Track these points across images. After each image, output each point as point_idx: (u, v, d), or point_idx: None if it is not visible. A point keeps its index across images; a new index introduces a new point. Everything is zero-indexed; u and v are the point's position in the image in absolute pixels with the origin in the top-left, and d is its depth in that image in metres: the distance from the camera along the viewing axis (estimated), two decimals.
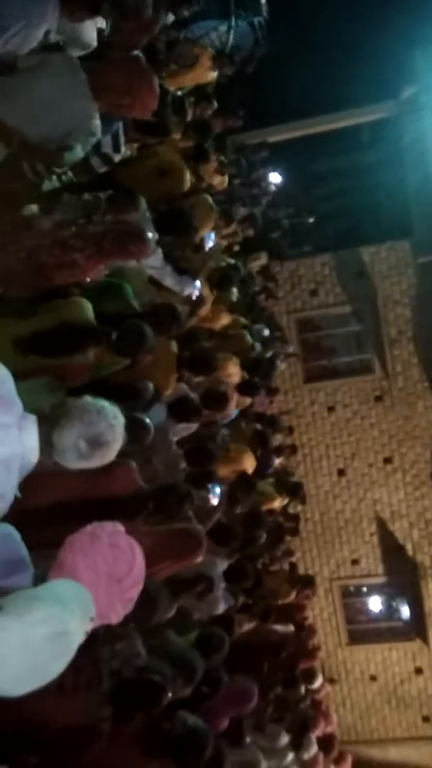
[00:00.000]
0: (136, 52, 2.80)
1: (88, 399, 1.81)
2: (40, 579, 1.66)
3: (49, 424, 1.76)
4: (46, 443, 1.74)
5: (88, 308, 2.60)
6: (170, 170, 3.85)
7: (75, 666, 1.88)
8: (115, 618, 1.71)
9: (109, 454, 1.84)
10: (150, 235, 2.81)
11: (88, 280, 2.70)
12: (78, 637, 1.49)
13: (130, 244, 2.61)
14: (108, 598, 1.64)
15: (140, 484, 2.67)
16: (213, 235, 4.41)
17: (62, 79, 2.51)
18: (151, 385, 2.80)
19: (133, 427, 2.50)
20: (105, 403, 1.82)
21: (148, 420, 2.69)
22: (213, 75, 4.95)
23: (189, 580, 3.01)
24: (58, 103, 2.50)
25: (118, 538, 1.71)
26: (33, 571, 1.69)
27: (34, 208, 2.66)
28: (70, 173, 2.93)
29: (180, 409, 3.35)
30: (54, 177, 2.79)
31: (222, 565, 3.66)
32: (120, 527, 1.78)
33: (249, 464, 4.69)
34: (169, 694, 2.22)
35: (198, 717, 2.41)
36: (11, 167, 2.62)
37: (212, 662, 3.10)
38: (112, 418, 1.79)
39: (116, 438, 1.83)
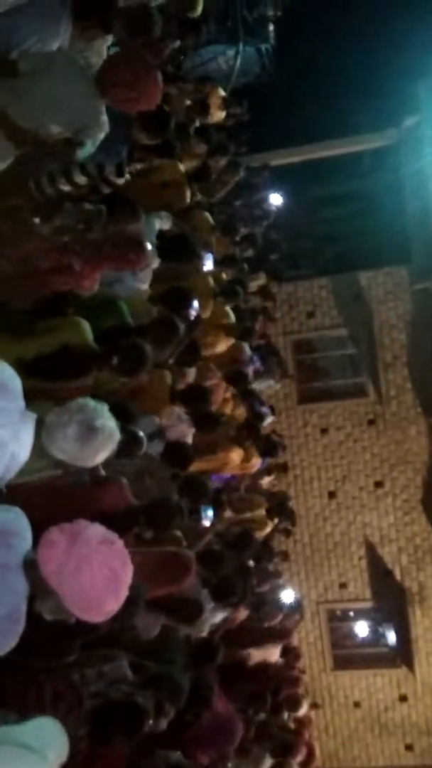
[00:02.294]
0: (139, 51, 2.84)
1: (88, 399, 1.87)
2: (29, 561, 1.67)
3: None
4: (40, 427, 1.76)
5: (87, 329, 2.62)
6: (172, 184, 3.90)
7: (55, 694, 1.87)
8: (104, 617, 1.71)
9: (100, 450, 1.86)
10: (149, 245, 2.84)
11: (85, 289, 2.70)
12: None
13: (129, 252, 2.63)
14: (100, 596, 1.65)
15: (131, 500, 2.67)
16: (211, 256, 4.44)
17: (69, 77, 2.56)
18: (156, 420, 2.82)
19: (127, 439, 2.51)
20: (103, 406, 1.87)
21: (141, 433, 2.70)
22: (221, 114, 5.05)
23: (177, 603, 3.00)
24: (69, 101, 2.54)
25: (107, 540, 1.73)
26: (31, 549, 1.70)
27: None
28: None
29: (175, 454, 3.38)
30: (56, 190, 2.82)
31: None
32: (110, 533, 1.79)
33: (236, 458, 4.66)
34: (151, 721, 2.19)
35: (180, 752, 2.38)
36: (14, 180, 2.65)
37: (202, 675, 3.08)
38: (107, 417, 1.85)
39: (108, 431, 1.87)
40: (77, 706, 1.91)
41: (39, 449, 1.84)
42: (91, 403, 1.90)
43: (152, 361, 2.70)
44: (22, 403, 1.77)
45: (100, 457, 1.91)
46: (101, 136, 2.66)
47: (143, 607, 2.28)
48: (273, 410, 7.78)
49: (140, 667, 2.53)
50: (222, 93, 4.99)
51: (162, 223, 3.59)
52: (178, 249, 3.43)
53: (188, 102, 4.56)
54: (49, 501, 2.36)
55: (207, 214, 5.10)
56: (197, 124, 4.64)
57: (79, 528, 1.70)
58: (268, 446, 5.40)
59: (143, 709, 2.15)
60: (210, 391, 3.92)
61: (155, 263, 3.13)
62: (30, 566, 1.68)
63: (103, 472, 2.68)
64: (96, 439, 1.85)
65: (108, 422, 1.89)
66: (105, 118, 2.64)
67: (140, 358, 2.59)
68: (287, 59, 8.62)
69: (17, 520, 1.74)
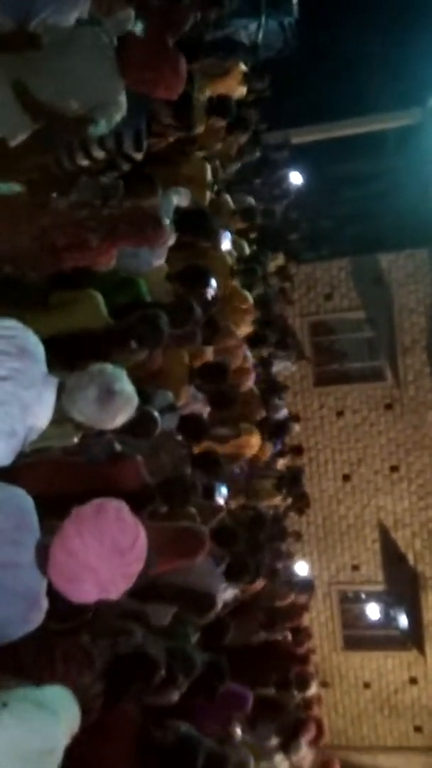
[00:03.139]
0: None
1: (107, 364, 1.90)
2: (41, 548, 1.70)
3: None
4: (61, 391, 1.82)
5: (101, 303, 2.61)
6: (196, 180, 3.88)
7: (65, 657, 1.91)
8: (115, 593, 1.72)
9: (118, 414, 1.89)
10: (167, 221, 2.81)
11: (102, 265, 2.69)
12: (61, 754, 1.52)
13: (147, 228, 2.61)
14: (110, 569, 1.66)
15: (146, 478, 2.69)
16: (229, 235, 4.40)
17: (91, 54, 2.54)
18: (170, 395, 2.82)
19: (143, 419, 2.52)
20: (122, 371, 1.91)
21: (156, 413, 2.70)
22: (243, 90, 4.96)
23: (193, 596, 3.04)
24: (87, 78, 2.53)
25: (123, 513, 1.73)
26: (39, 536, 1.73)
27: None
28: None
29: (189, 426, 3.40)
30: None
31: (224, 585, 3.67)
32: (125, 505, 1.80)
33: (255, 443, 4.67)
34: (162, 672, 2.22)
35: (190, 722, 2.42)
36: (31, 154, 2.64)
37: (216, 657, 3.12)
38: (126, 381, 1.91)
39: (126, 395, 1.91)
40: (88, 666, 1.94)
41: (60, 413, 1.88)
42: (109, 367, 1.95)
43: (167, 337, 2.69)
44: (44, 367, 1.82)
45: (119, 419, 1.95)
46: (118, 117, 2.64)
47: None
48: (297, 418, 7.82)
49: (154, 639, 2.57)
50: (243, 68, 4.89)
51: (180, 199, 3.56)
52: (195, 225, 3.40)
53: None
54: (64, 478, 2.39)
55: (227, 197, 5.06)
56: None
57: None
58: (280, 428, 5.38)
59: (154, 659, 2.18)
60: (228, 368, 3.90)
61: (172, 239, 3.11)
62: (41, 552, 1.69)
63: (119, 448, 2.70)
64: (115, 402, 1.89)
65: (126, 386, 1.94)
66: (123, 98, 2.61)
67: (157, 327, 2.58)
68: (310, 34, 8.43)
69: (21, 505, 1.75)
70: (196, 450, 3.57)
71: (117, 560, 1.66)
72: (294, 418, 8.06)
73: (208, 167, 4.25)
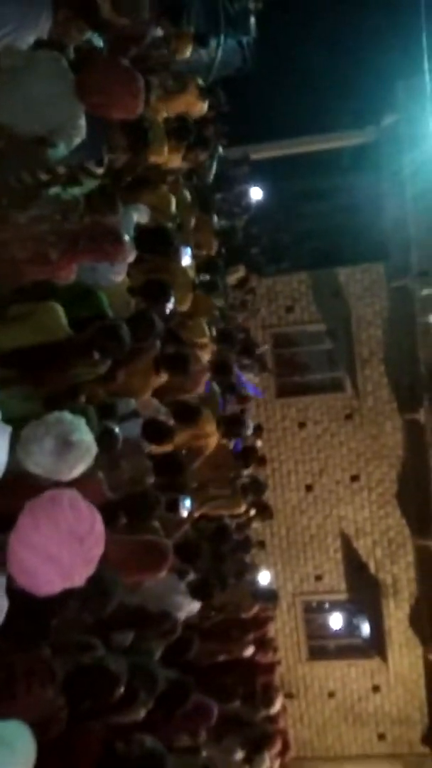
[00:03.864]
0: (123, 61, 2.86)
1: (65, 413, 1.83)
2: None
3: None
4: (16, 443, 1.74)
5: (60, 315, 2.61)
6: (159, 209, 3.94)
7: (26, 672, 1.89)
8: (78, 579, 1.72)
9: (76, 465, 1.83)
10: (127, 238, 2.83)
11: (61, 279, 2.69)
12: None
13: (106, 243, 2.62)
14: (71, 557, 1.66)
15: (108, 496, 2.68)
16: (189, 250, 4.43)
17: (50, 77, 2.55)
18: (132, 402, 2.81)
19: (104, 435, 2.51)
20: (80, 420, 1.84)
21: (117, 429, 2.70)
22: (204, 106, 5.03)
23: (154, 618, 3.02)
24: (46, 102, 2.54)
25: (77, 501, 1.73)
26: None
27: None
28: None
29: (152, 431, 3.39)
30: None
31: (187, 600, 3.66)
32: (77, 493, 1.79)
33: (212, 432, 4.65)
34: (122, 689, 2.20)
35: (155, 734, 2.40)
36: None
37: (178, 671, 3.10)
38: (84, 431, 1.81)
39: (85, 446, 1.83)
40: (50, 680, 1.92)
41: (15, 463, 1.80)
42: (67, 416, 1.86)
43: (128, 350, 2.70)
44: None
45: (76, 471, 1.86)
46: (77, 141, 2.66)
47: (116, 600, 2.29)
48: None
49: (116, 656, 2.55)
50: (200, 83, 4.96)
51: (140, 215, 3.59)
52: (155, 242, 3.43)
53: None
54: (24, 498, 2.36)
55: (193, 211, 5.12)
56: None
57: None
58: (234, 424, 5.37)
59: (114, 674, 2.16)
60: (192, 358, 3.90)
61: (132, 256, 3.13)
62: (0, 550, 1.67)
63: None
64: (72, 453, 1.81)
65: (85, 437, 1.85)
66: (83, 122, 2.63)
67: (119, 340, 2.59)
68: (268, 53, 8.62)
69: None
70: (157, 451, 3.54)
71: (77, 547, 1.66)
72: (257, 427, 8.10)
73: (173, 199, 4.30)
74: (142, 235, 3.29)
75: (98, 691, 2.11)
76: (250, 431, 6.52)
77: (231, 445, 5.59)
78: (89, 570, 1.70)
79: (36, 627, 1.87)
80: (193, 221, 5.08)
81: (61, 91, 2.55)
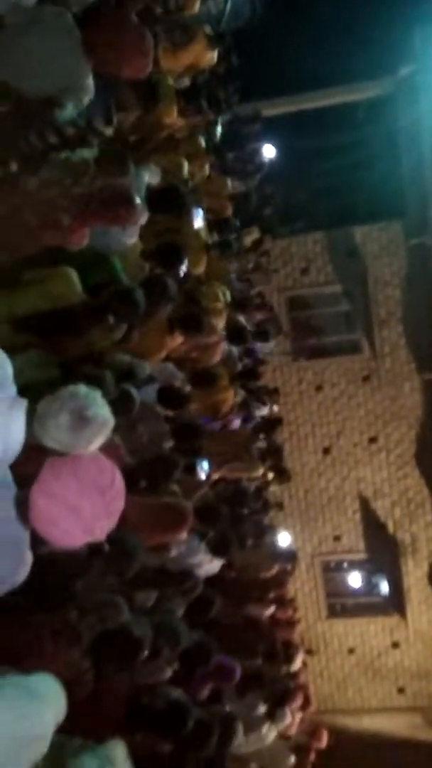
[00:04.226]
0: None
1: (81, 386, 1.81)
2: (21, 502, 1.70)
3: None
4: (31, 417, 1.74)
5: (75, 280, 2.58)
6: (171, 172, 3.85)
7: (53, 634, 1.93)
8: (99, 532, 1.73)
9: (93, 439, 1.79)
10: (139, 200, 2.79)
11: (74, 245, 2.66)
12: (48, 741, 1.52)
13: (118, 207, 2.58)
14: (92, 508, 1.67)
15: (126, 460, 2.69)
16: (201, 212, 4.34)
17: (55, 35, 2.48)
18: (147, 366, 2.80)
19: (121, 398, 2.51)
20: (95, 393, 1.81)
21: (134, 391, 2.70)
22: (213, 56, 4.85)
23: (176, 576, 3.07)
24: (52, 60, 2.46)
25: (98, 455, 1.74)
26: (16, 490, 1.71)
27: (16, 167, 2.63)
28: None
29: (168, 396, 3.39)
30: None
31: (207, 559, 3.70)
32: (98, 452, 1.80)
33: (227, 393, 4.63)
34: (146, 651, 2.26)
35: (180, 689, 2.47)
36: (2, 135, 2.58)
37: (201, 631, 3.17)
38: (100, 404, 1.79)
39: (101, 420, 1.79)
40: (76, 642, 1.97)
41: (32, 438, 1.76)
42: (82, 390, 1.81)
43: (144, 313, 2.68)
44: (12, 390, 1.72)
45: (94, 445, 1.82)
46: (86, 100, 2.58)
47: (140, 562, 2.32)
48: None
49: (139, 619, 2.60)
50: (208, 31, 4.76)
51: (151, 176, 3.52)
52: (168, 203, 3.36)
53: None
54: (40, 466, 2.38)
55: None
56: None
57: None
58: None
59: (138, 639, 2.21)
60: (204, 320, 3.88)
61: (144, 218, 3.08)
62: (22, 502, 1.68)
63: None
64: (89, 428, 1.77)
65: (101, 410, 1.81)
66: (90, 81, 2.55)
67: (133, 304, 2.57)
68: (279, 2, 8.30)
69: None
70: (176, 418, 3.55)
71: (98, 498, 1.66)
72: (273, 391, 8.08)
73: (185, 162, 4.19)
74: (154, 194, 3.22)
75: (123, 656, 2.17)
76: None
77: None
78: (111, 523, 1.71)
79: (62, 589, 1.91)
80: (205, 173, 4.98)
81: (68, 48, 2.47)
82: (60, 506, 1.63)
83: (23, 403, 1.72)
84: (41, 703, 1.52)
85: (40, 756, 1.50)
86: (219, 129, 5.66)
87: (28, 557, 1.71)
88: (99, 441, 1.82)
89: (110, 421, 1.83)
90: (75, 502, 1.63)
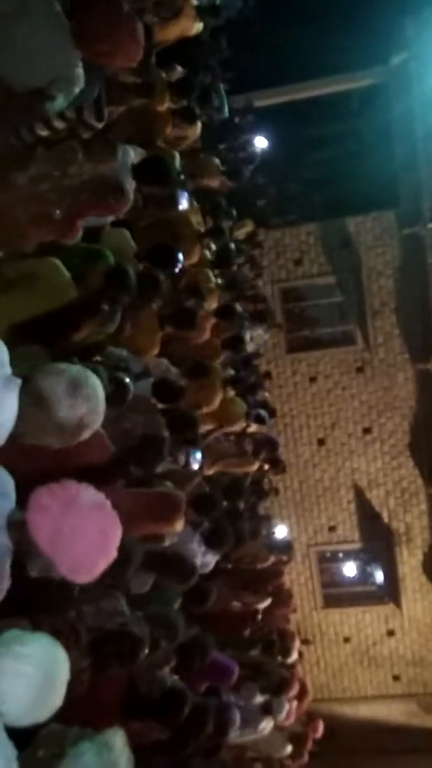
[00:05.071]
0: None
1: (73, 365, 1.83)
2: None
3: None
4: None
5: (63, 271, 2.56)
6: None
7: (53, 630, 1.94)
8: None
9: (88, 416, 1.79)
10: (129, 186, 2.76)
11: (68, 239, 2.64)
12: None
13: (109, 197, 2.56)
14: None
15: (111, 449, 2.68)
16: (186, 194, 4.30)
17: (43, 25, 2.41)
18: (140, 363, 2.80)
19: (114, 387, 2.52)
20: (89, 370, 1.84)
21: (128, 379, 2.70)
22: (199, 26, 4.79)
23: (171, 562, 3.07)
24: (41, 51, 2.40)
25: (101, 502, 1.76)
26: (16, 509, 1.74)
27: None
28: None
29: (163, 390, 3.38)
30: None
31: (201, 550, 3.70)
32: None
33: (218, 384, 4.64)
34: (146, 650, 2.28)
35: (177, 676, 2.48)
36: None
37: (197, 624, 3.18)
38: (93, 383, 1.81)
39: (95, 394, 1.80)
40: (75, 641, 1.98)
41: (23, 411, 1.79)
42: (74, 366, 1.83)
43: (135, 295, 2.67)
44: (7, 370, 1.73)
45: (88, 420, 1.82)
46: (75, 90, 2.54)
47: (137, 564, 2.33)
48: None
49: (136, 605, 2.61)
50: (195, 2, 4.69)
51: (135, 156, 3.48)
52: (154, 173, 3.27)
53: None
54: (30, 457, 2.38)
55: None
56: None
57: (70, 493, 1.71)
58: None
59: (138, 638, 2.23)
60: (196, 314, 3.88)
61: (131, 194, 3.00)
62: (17, 527, 1.69)
63: None
64: (82, 401, 1.79)
65: (96, 387, 1.83)
66: (80, 71, 2.49)
67: (126, 288, 2.55)
68: None
69: (1, 477, 1.76)
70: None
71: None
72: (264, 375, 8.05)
73: (176, 155, 4.17)
74: (140, 167, 3.17)
75: (123, 655, 2.19)
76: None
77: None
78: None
79: (60, 595, 1.92)
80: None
81: (56, 38, 2.41)
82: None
83: (17, 382, 1.72)
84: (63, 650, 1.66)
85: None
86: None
87: (7, 571, 1.72)
88: (94, 420, 1.80)
89: (102, 397, 1.82)
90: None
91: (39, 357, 2.37)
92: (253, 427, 5.57)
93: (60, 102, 2.53)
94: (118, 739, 1.74)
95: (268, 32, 8.51)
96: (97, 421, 1.83)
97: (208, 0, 5.19)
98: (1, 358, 1.72)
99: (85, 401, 1.78)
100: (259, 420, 5.53)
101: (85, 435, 1.82)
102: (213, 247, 5.05)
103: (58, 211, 2.46)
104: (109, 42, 2.54)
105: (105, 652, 2.12)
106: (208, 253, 4.91)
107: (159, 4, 3.95)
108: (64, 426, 1.78)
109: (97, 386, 1.82)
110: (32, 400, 1.73)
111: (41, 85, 2.44)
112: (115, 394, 2.42)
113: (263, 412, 5.67)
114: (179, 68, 4.64)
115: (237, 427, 5.25)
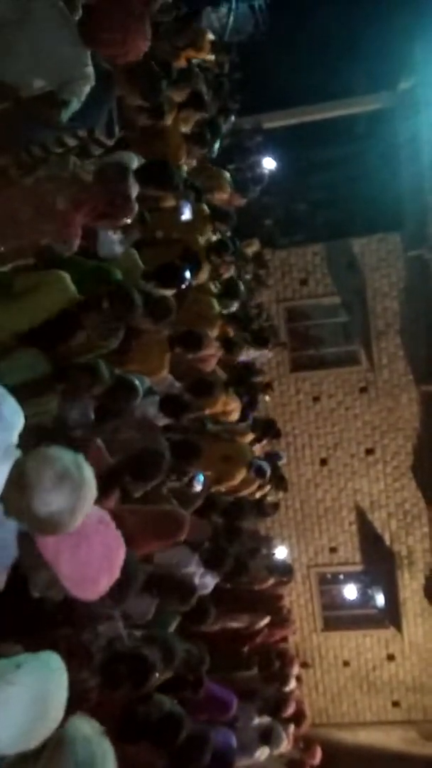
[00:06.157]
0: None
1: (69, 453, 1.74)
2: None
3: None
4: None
5: (69, 283, 2.57)
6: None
7: (68, 653, 1.92)
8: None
9: (62, 515, 1.65)
10: (134, 193, 2.77)
11: (68, 237, 2.62)
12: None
13: (116, 194, 2.57)
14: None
15: (108, 460, 2.67)
16: (189, 205, 4.31)
17: (50, 24, 2.37)
18: (146, 381, 2.81)
19: (122, 387, 2.51)
20: (79, 455, 1.74)
21: (137, 381, 2.69)
22: (210, 56, 4.89)
23: (171, 585, 3.04)
24: (50, 52, 2.36)
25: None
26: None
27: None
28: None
29: (170, 405, 3.40)
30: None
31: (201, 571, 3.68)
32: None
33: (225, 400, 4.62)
34: (157, 675, 2.26)
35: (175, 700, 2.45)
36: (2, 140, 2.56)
37: (197, 638, 3.14)
38: (85, 476, 1.71)
39: (82, 486, 1.68)
40: (87, 662, 1.97)
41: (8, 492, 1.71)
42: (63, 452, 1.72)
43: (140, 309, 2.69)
44: (12, 438, 1.68)
45: (78, 508, 1.68)
46: (87, 89, 2.48)
47: (138, 586, 2.31)
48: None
49: (133, 628, 2.59)
50: (211, 37, 4.78)
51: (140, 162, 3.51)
52: (157, 176, 3.26)
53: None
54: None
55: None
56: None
57: None
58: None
59: (150, 661, 2.22)
60: (205, 337, 3.90)
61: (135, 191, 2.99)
62: (25, 538, 1.69)
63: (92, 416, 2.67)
64: (70, 486, 1.68)
65: (85, 473, 1.73)
66: (90, 69, 2.45)
67: (130, 300, 2.57)
68: (281, 17, 8.38)
69: (10, 406, 1.71)
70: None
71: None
72: (265, 386, 8.06)
73: (184, 167, 4.22)
74: (143, 170, 3.17)
75: (134, 678, 2.18)
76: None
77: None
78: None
79: (63, 615, 1.91)
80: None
81: (65, 37, 2.37)
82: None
83: (16, 454, 1.66)
84: (62, 673, 1.62)
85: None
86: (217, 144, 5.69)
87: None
88: (83, 506, 1.68)
89: (92, 493, 1.71)
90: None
91: (38, 364, 2.37)
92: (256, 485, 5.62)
93: (74, 105, 2.48)
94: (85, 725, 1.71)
95: (278, 56, 8.65)
96: (70, 523, 1.66)
97: (219, 23, 5.28)
98: (14, 424, 1.68)
99: (68, 493, 1.65)
100: (260, 473, 5.52)
101: (57, 532, 1.69)
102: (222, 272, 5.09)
103: (62, 200, 2.45)
104: (119, 31, 2.52)
105: (118, 672, 2.11)
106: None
107: (178, 32, 4.01)
108: (37, 517, 1.66)
109: (88, 479, 1.71)
110: (16, 479, 1.64)
111: (52, 86, 2.39)
112: (121, 392, 2.42)
113: (264, 465, 5.67)
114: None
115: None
